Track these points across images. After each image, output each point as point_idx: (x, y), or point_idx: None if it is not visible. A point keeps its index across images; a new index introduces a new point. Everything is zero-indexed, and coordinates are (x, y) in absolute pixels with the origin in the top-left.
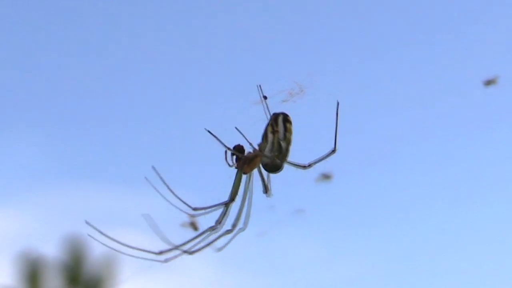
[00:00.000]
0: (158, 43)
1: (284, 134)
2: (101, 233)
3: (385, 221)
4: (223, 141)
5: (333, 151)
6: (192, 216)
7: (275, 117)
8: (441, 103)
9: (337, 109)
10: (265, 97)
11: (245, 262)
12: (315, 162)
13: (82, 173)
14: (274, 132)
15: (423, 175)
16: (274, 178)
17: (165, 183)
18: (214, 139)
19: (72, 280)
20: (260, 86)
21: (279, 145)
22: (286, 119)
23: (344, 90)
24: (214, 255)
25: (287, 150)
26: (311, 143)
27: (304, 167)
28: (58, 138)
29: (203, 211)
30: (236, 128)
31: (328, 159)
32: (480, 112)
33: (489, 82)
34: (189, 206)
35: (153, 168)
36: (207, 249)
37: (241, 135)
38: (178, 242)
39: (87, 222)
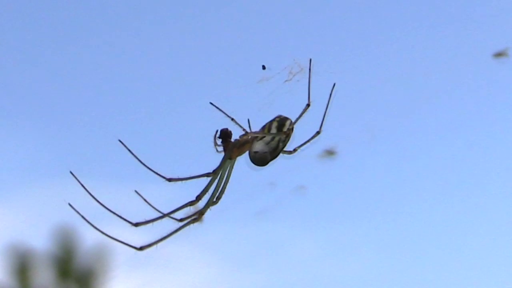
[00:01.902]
0: (157, 24)
1: (285, 139)
2: (85, 219)
3: (386, 216)
4: (222, 119)
5: (318, 132)
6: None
7: (283, 119)
8: (450, 77)
9: (332, 91)
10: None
11: (243, 259)
12: (301, 146)
13: (72, 167)
14: (280, 131)
15: (431, 163)
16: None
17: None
18: (219, 112)
19: (63, 273)
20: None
21: (278, 144)
22: (292, 127)
23: (346, 67)
24: (210, 251)
25: (279, 153)
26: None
27: (290, 152)
28: (47, 131)
29: (179, 182)
30: (211, 103)
31: (313, 141)
32: (489, 86)
33: (499, 55)
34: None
35: (121, 141)
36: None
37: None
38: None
39: (70, 205)
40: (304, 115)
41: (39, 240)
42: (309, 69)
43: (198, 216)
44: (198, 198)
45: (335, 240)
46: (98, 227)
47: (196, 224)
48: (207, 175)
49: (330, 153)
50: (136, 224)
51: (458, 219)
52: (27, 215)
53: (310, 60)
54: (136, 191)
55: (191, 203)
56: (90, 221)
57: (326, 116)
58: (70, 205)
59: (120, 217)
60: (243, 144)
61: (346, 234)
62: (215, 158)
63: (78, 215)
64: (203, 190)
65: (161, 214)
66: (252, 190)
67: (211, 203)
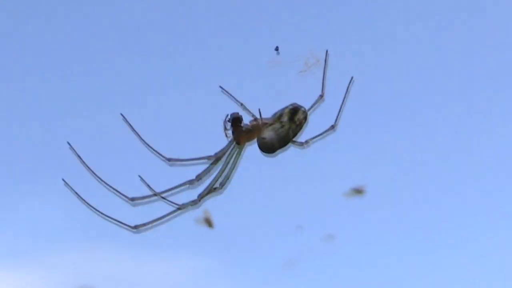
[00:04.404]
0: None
1: (296, 128)
2: (82, 199)
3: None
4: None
5: (332, 126)
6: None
7: (296, 108)
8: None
9: (349, 85)
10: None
11: None
12: (313, 139)
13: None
14: (292, 120)
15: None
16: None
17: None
18: (228, 96)
19: None
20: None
21: (287, 133)
22: (305, 117)
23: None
24: None
25: (288, 142)
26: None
27: (301, 144)
28: (62, 196)
29: (179, 163)
30: (221, 87)
31: (326, 135)
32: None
33: None
34: (164, 157)
35: (123, 117)
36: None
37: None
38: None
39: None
40: (316, 106)
41: None
42: (325, 61)
43: (197, 201)
44: (198, 177)
45: None
46: (93, 206)
47: (194, 207)
48: (208, 158)
49: (358, 191)
50: (133, 199)
51: None
52: (47, 277)
53: (327, 51)
54: (139, 176)
55: (191, 182)
56: (85, 199)
57: (342, 110)
58: (64, 180)
59: (117, 191)
60: (253, 130)
61: None
62: (221, 142)
63: (72, 192)
64: (204, 171)
65: (159, 195)
66: (278, 233)
67: (212, 189)
